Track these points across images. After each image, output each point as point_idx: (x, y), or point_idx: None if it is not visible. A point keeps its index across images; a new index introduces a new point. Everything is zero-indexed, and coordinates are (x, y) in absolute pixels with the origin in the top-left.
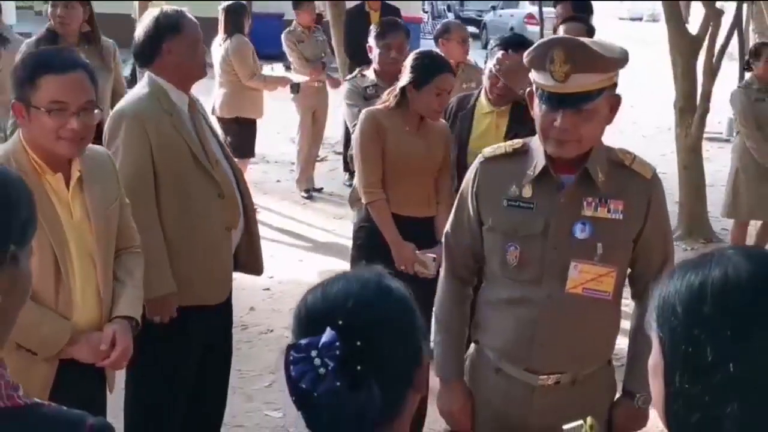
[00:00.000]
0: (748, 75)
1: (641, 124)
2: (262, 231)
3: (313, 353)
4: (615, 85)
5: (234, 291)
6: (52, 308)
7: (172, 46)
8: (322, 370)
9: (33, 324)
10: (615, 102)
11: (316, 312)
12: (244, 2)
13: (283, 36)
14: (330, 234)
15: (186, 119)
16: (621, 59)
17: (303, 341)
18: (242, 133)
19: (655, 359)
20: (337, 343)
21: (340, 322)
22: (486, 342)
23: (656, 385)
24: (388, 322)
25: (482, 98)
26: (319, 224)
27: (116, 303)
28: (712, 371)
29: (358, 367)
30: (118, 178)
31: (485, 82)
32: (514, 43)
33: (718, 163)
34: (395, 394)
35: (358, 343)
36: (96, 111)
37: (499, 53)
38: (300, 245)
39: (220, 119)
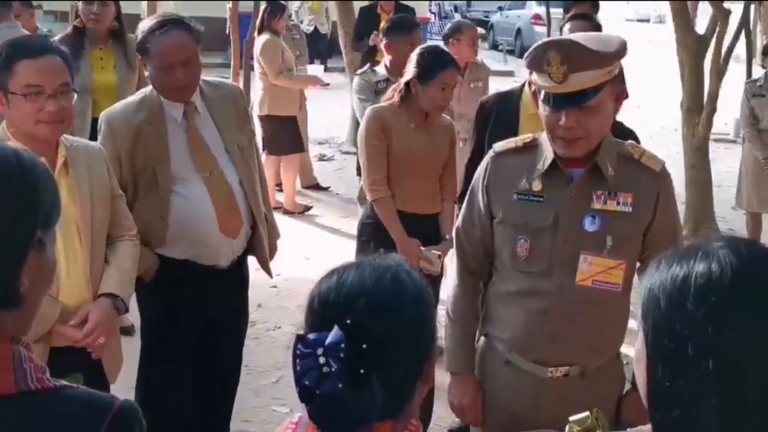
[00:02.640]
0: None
1: (648, 124)
2: None
3: (319, 351)
4: (617, 77)
5: None
6: None
7: (146, 63)
8: (326, 369)
9: None
10: (619, 93)
11: (327, 304)
12: (282, 2)
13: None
14: (337, 232)
15: (172, 130)
16: (617, 52)
17: (311, 336)
18: (280, 131)
19: (639, 347)
20: (343, 345)
21: (349, 322)
22: (496, 334)
23: (640, 373)
24: (398, 322)
25: (527, 97)
26: (326, 222)
27: (101, 283)
28: (692, 366)
29: (362, 371)
30: (110, 171)
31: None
32: None
33: (725, 164)
34: (400, 390)
35: (364, 346)
36: (74, 94)
37: None
38: (307, 243)
39: (259, 117)
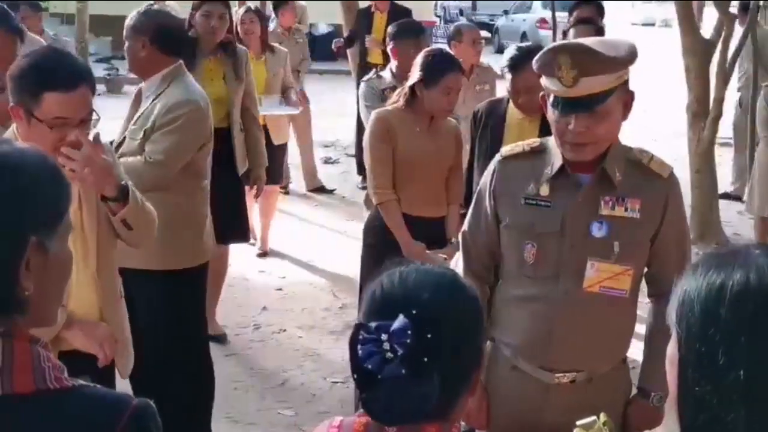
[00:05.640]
0: None
1: (654, 129)
2: (277, 232)
3: (384, 337)
4: (626, 82)
5: (246, 291)
6: None
7: None
8: (389, 355)
9: None
10: (628, 99)
11: (391, 297)
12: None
13: None
14: (342, 235)
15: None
16: (628, 57)
17: (373, 323)
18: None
19: (672, 350)
20: (409, 332)
21: (414, 312)
22: (502, 339)
23: (671, 374)
24: (458, 320)
25: (512, 106)
26: (331, 226)
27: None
28: (722, 374)
29: (425, 359)
30: (117, 164)
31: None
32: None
33: (730, 168)
34: (454, 389)
35: (429, 336)
36: (95, 119)
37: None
38: (312, 246)
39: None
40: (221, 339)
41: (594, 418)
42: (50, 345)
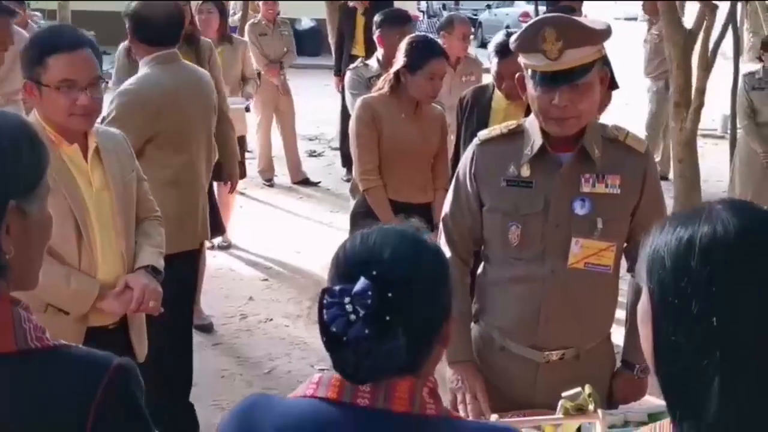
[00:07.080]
0: (756, 66)
1: (636, 120)
2: (262, 223)
3: (346, 300)
4: (602, 58)
5: (233, 281)
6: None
7: None
8: (352, 317)
9: (61, 282)
10: (604, 75)
11: (352, 259)
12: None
13: (246, 28)
14: (327, 227)
15: None
16: (607, 30)
17: (337, 287)
18: None
19: (644, 307)
20: (369, 293)
21: (374, 273)
22: (490, 321)
23: (644, 332)
24: (421, 275)
25: (498, 92)
26: (317, 217)
27: (135, 260)
28: (696, 323)
29: (387, 318)
30: (133, 155)
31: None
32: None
33: (713, 159)
34: (422, 344)
35: (390, 295)
36: (104, 85)
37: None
38: (297, 238)
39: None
40: (208, 328)
41: (579, 389)
42: (80, 320)
